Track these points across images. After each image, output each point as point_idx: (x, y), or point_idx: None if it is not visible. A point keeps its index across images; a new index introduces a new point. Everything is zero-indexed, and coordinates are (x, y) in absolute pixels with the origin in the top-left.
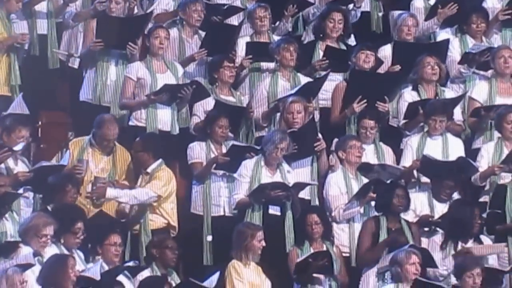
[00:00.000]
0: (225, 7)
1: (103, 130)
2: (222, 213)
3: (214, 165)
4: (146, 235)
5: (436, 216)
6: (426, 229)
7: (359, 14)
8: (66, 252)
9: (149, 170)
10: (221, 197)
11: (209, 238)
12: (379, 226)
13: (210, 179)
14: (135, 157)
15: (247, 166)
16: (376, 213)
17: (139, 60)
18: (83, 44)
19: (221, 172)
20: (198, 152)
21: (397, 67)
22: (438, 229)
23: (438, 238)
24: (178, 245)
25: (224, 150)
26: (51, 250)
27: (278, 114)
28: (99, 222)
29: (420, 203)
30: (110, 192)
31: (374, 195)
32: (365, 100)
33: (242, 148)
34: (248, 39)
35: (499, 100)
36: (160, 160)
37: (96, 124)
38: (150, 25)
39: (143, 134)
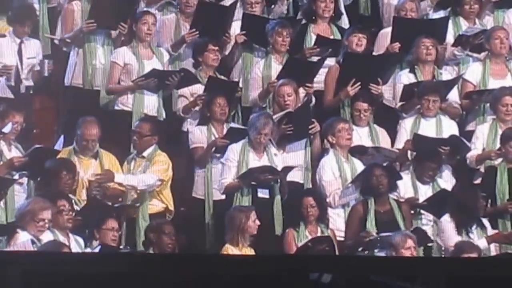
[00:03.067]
0: None
1: (82, 129)
2: (224, 197)
3: (214, 148)
4: (144, 219)
5: (421, 198)
6: (411, 212)
7: None
8: (61, 237)
9: (145, 154)
10: (217, 182)
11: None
12: (367, 209)
13: (211, 163)
14: (135, 141)
15: (234, 150)
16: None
17: (124, 45)
18: (63, 28)
19: (220, 155)
20: (198, 136)
21: (397, 45)
22: (422, 211)
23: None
24: (177, 230)
25: (225, 131)
26: (48, 236)
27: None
28: (95, 208)
29: (404, 185)
30: (119, 176)
31: None
32: (359, 83)
33: (241, 130)
34: (239, 23)
35: (492, 82)
36: (155, 144)
37: (77, 125)
38: (141, 7)
39: (146, 118)
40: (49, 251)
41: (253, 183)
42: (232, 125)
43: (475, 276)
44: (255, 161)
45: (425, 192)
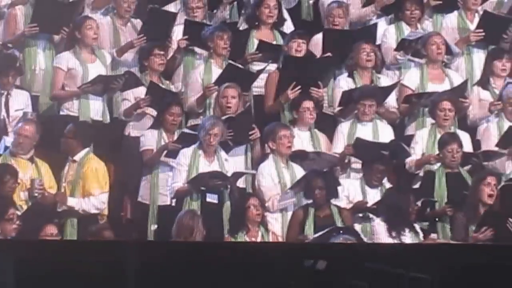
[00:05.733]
0: None
1: (19, 127)
2: (168, 203)
3: (165, 152)
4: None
5: (369, 202)
6: (360, 215)
7: None
8: None
9: (76, 158)
10: (168, 186)
11: (153, 227)
12: (307, 214)
13: (158, 168)
14: (64, 144)
15: (185, 154)
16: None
17: (67, 50)
18: (5, 33)
19: (170, 160)
20: (150, 139)
21: (328, 55)
22: (371, 215)
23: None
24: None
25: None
26: None
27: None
28: (35, 214)
29: (354, 189)
30: (71, 201)
31: None
32: (299, 87)
33: (192, 136)
34: (182, 27)
35: (430, 87)
36: (88, 148)
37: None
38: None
39: (76, 121)
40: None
41: (202, 188)
42: (184, 129)
43: (468, 262)
44: (205, 165)
45: (374, 195)
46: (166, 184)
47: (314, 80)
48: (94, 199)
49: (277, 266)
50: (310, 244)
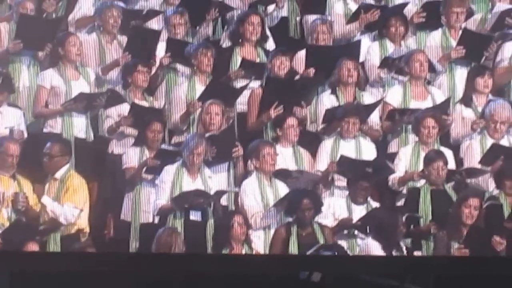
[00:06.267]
0: (144, 12)
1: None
2: (151, 220)
3: (144, 168)
4: (55, 243)
5: (356, 219)
6: (345, 232)
7: (280, 15)
8: None
9: (57, 176)
10: (150, 204)
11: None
12: (290, 232)
13: (141, 185)
14: (45, 163)
15: (169, 171)
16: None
17: (50, 67)
18: None
19: (150, 177)
20: (131, 157)
21: (312, 71)
22: (356, 232)
23: None
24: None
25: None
26: None
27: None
28: (17, 231)
29: (339, 207)
30: (45, 199)
31: None
32: (281, 106)
33: (171, 152)
34: (164, 44)
35: (413, 104)
36: (68, 165)
37: None
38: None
39: (55, 139)
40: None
41: (186, 205)
42: (163, 146)
43: (463, 274)
44: (189, 183)
45: (360, 212)
46: (149, 201)
47: (297, 100)
48: (68, 208)
49: (273, 278)
50: (305, 256)
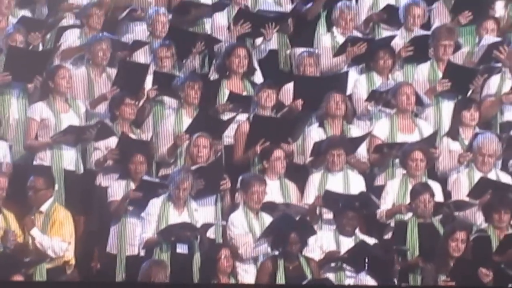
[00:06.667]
0: (130, 42)
1: None
2: (136, 253)
3: (127, 201)
4: (41, 276)
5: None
6: (332, 264)
7: (268, 49)
8: None
9: (42, 209)
10: (136, 236)
11: None
12: (277, 265)
13: (126, 217)
14: (31, 197)
15: (155, 204)
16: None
17: (40, 100)
18: None
19: (135, 209)
20: (116, 190)
21: (300, 102)
22: (345, 265)
23: None
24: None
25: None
26: None
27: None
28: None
29: (327, 240)
30: (35, 231)
31: None
32: (268, 143)
33: (154, 184)
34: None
35: (400, 137)
36: (53, 198)
37: None
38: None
39: (40, 172)
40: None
41: (172, 238)
42: (145, 177)
43: None
44: (175, 216)
45: (348, 245)
46: (134, 234)
47: (284, 137)
48: (56, 242)
49: None
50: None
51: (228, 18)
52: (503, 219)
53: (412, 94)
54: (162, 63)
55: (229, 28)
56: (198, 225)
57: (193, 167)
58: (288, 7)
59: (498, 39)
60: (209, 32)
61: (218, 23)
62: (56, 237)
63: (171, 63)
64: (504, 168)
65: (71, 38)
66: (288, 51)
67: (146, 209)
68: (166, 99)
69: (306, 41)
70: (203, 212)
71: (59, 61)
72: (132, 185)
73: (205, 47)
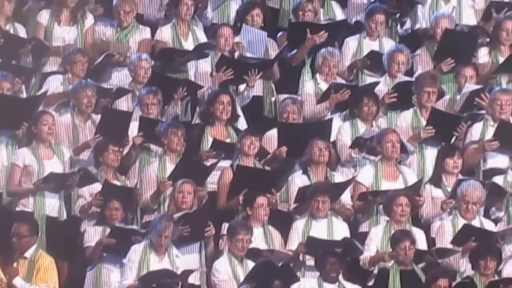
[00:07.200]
0: (114, 89)
1: None
2: None
3: (100, 247)
4: None
5: None
6: None
7: (251, 95)
8: None
9: (27, 255)
10: (112, 282)
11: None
12: None
13: (102, 264)
14: (15, 243)
15: (136, 250)
16: None
17: (25, 146)
18: None
19: (111, 256)
20: (92, 236)
21: (284, 149)
22: None
23: None
24: None
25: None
26: None
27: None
28: None
29: (310, 287)
30: (18, 281)
31: None
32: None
33: (126, 230)
34: (137, 124)
35: (384, 184)
36: (36, 244)
37: None
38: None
39: (24, 218)
40: None
41: (153, 285)
42: (117, 224)
43: None
44: (156, 262)
45: None
46: (110, 280)
47: (267, 187)
48: None
49: None
50: None
51: (211, 64)
52: (489, 266)
53: (397, 142)
54: (148, 109)
55: (211, 74)
56: (179, 272)
57: (179, 214)
58: (273, 53)
59: (479, 86)
60: (192, 79)
61: (202, 70)
62: (42, 284)
63: (158, 110)
64: (486, 215)
65: (54, 84)
66: (273, 98)
67: (127, 255)
68: (153, 146)
69: (291, 87)
70: (185, 259)
71: (42, 107)
72: (108, 230)
73: (187, 93)
